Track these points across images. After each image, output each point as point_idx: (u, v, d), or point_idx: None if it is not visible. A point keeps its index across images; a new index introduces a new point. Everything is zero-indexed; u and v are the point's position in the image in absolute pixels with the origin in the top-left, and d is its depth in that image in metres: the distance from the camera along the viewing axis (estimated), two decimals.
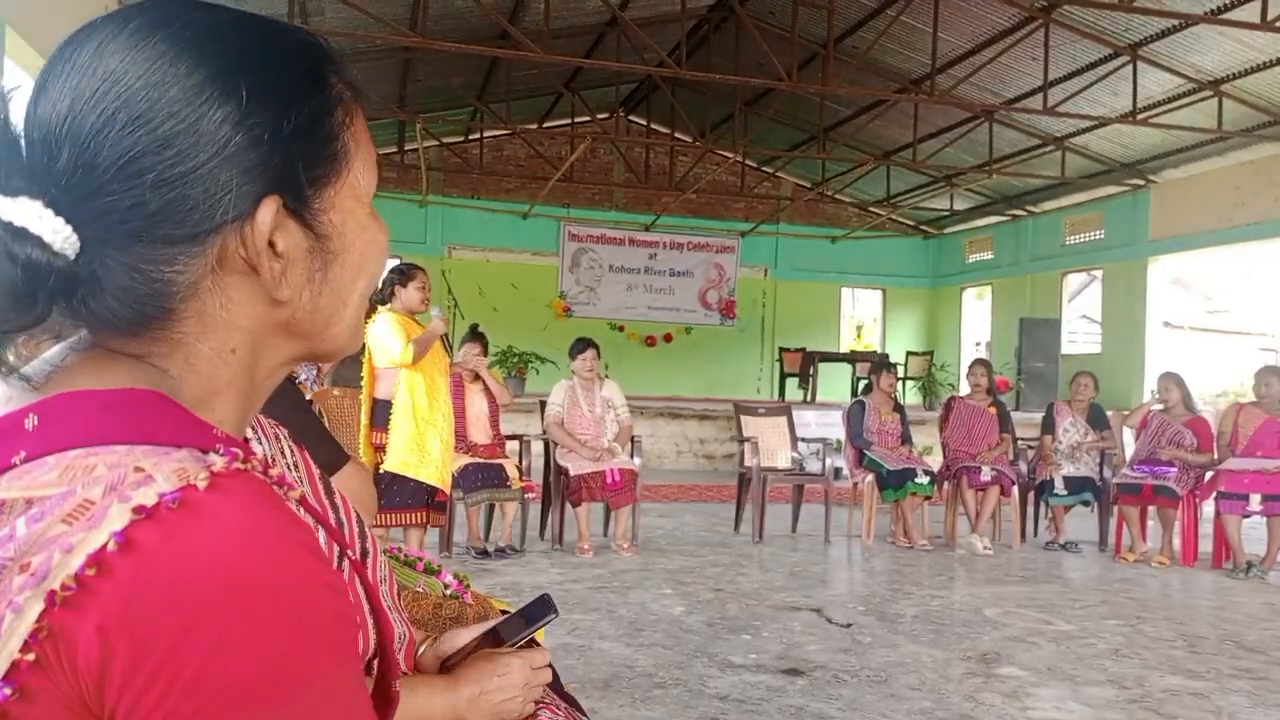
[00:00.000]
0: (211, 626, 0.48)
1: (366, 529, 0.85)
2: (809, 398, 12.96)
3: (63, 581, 0.48)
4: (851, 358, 14.03)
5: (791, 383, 13.79)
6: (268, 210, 0.58)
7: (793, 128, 13.95)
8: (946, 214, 15.97)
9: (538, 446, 6.26)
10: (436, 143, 13.95)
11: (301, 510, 0.58)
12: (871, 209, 16.34)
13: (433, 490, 4.70)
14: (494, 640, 1.09)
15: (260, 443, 0.81)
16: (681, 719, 3.04)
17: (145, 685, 0.47)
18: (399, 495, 4.59)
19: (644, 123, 15.13)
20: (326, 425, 2.07)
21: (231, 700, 0.48)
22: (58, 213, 0.54)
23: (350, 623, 0.56)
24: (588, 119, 13.45)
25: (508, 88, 11.44)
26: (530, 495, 5.70)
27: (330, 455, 1.76)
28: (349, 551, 0.69)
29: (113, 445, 0.53)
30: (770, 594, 4.88)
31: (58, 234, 0.54)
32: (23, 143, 0.55)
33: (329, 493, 0.82)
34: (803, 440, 7.45)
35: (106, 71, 0.55)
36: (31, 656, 0.48)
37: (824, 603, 4.73)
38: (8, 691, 0.47)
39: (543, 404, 6.15)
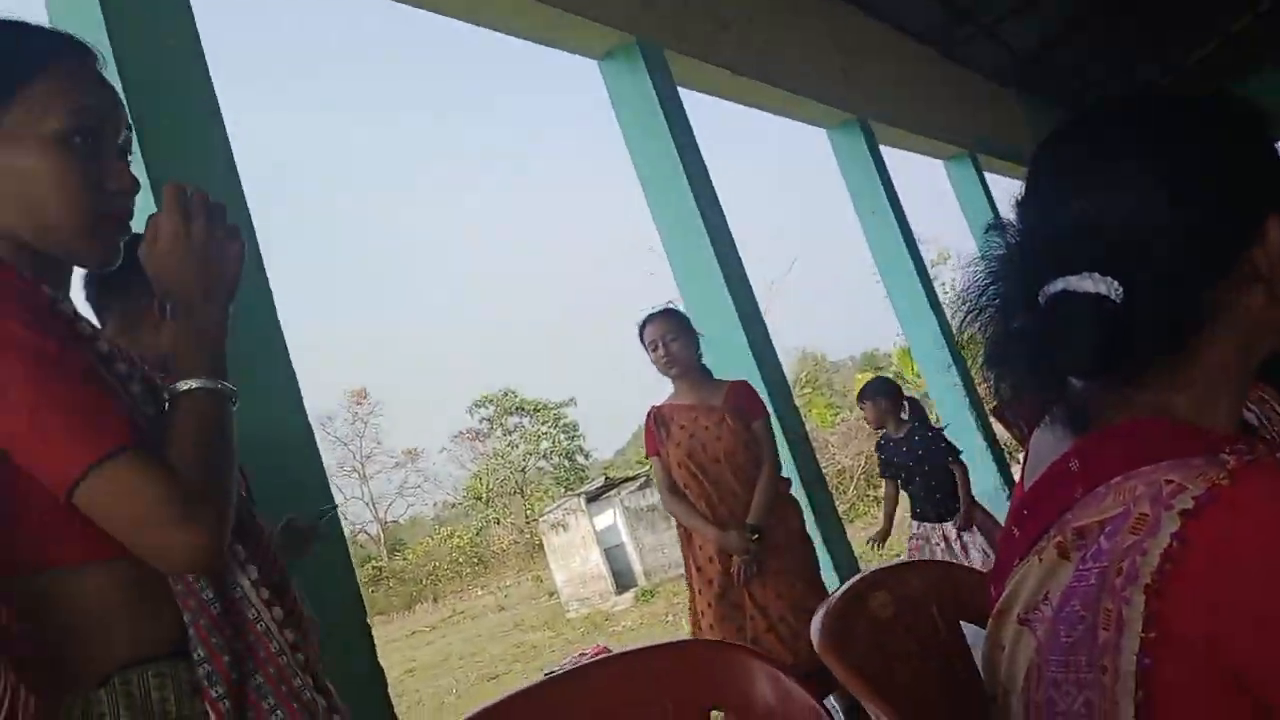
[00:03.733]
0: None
1: None
2: None
3: (1151, 576, 0.63)
4: None
5: None
6: (1275, 228, 0.71)
7: None
8: None
9: None
10: None
11: None
12: None
13: None
14: None
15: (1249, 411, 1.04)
16: None
17: (1252, 643, 0.61)
18: None
19: None
20: None
21: None
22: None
23: None
24: None
25: None
26: None
27: None
28: None
29: (1139, 469, 0.68)
30: None
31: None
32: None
33: None
34: None
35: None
36: (1152, 634, 0.63)
37: None
38: (1147, 661, 0.63)
39: None
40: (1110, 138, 0.73)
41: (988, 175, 7.76)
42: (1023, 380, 0.74)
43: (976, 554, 4.00)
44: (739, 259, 4.02)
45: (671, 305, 3.17)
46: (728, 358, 3.69)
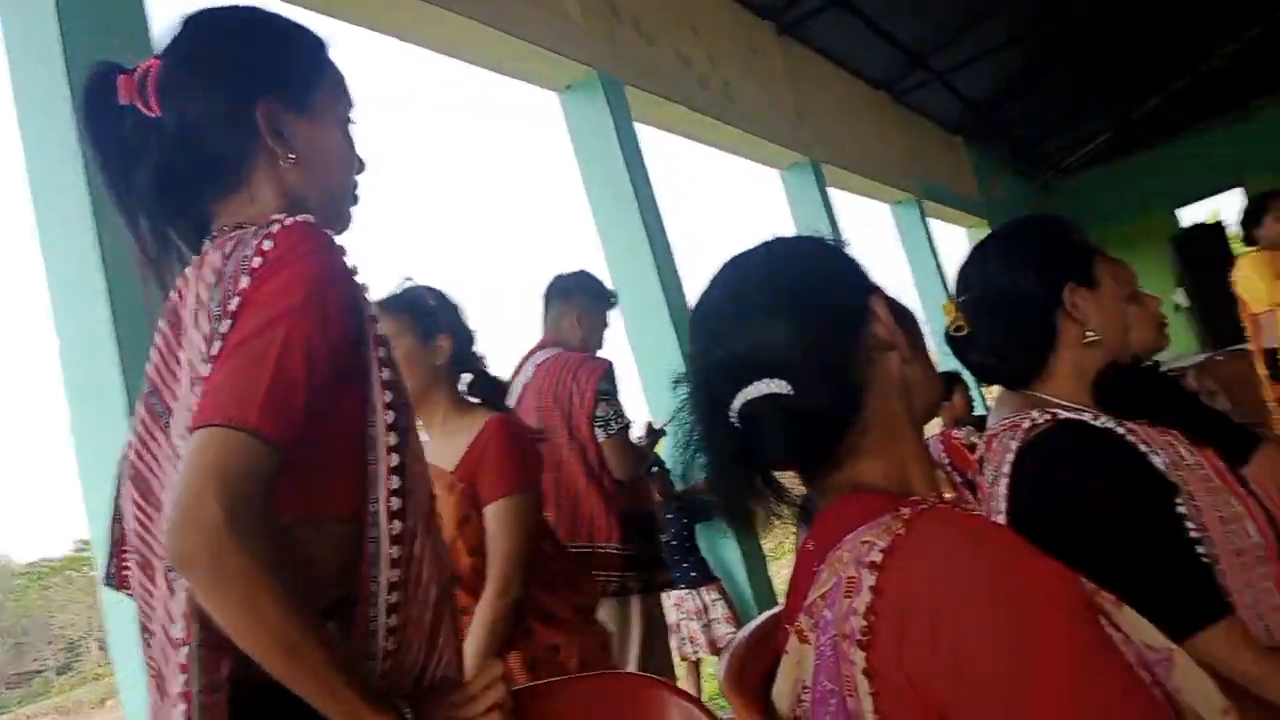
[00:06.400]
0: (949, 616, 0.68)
1: None
2: None
3: (861, 631, 0.71)
4: None
5: None
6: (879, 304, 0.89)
7: None
8: None
9: None
10: (1232, 43, 10.33)
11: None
12: None
13: None
14: None
15: (1156, 453, 1.13)
16: None
17: (946, 683, 0.68)
18: None
19: None
20: (1226, 402, 2.05)
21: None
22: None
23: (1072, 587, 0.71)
24: None
25: None
26: None
27: (1236, 446, 1.57)
28: None
29: (845, 538, 0.77)
30: None
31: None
32: None
33: (1244, 483, 1.12)
34: None
35: None
36: (874, 688, 0.70)
37: None
38: (877, 716, 0.70)
39: None
40: (748, 294, 0.89)
41: (932, 222, 7.96)
42: (728, 477, 0.87)
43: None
44: (686, 300, 4.08)
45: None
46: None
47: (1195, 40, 10.51)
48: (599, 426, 2.66)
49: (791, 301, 0.86)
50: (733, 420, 0.85)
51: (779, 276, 0.89)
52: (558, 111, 4.10)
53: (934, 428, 4.56)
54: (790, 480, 0.90)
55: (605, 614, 2.56)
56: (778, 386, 0.82)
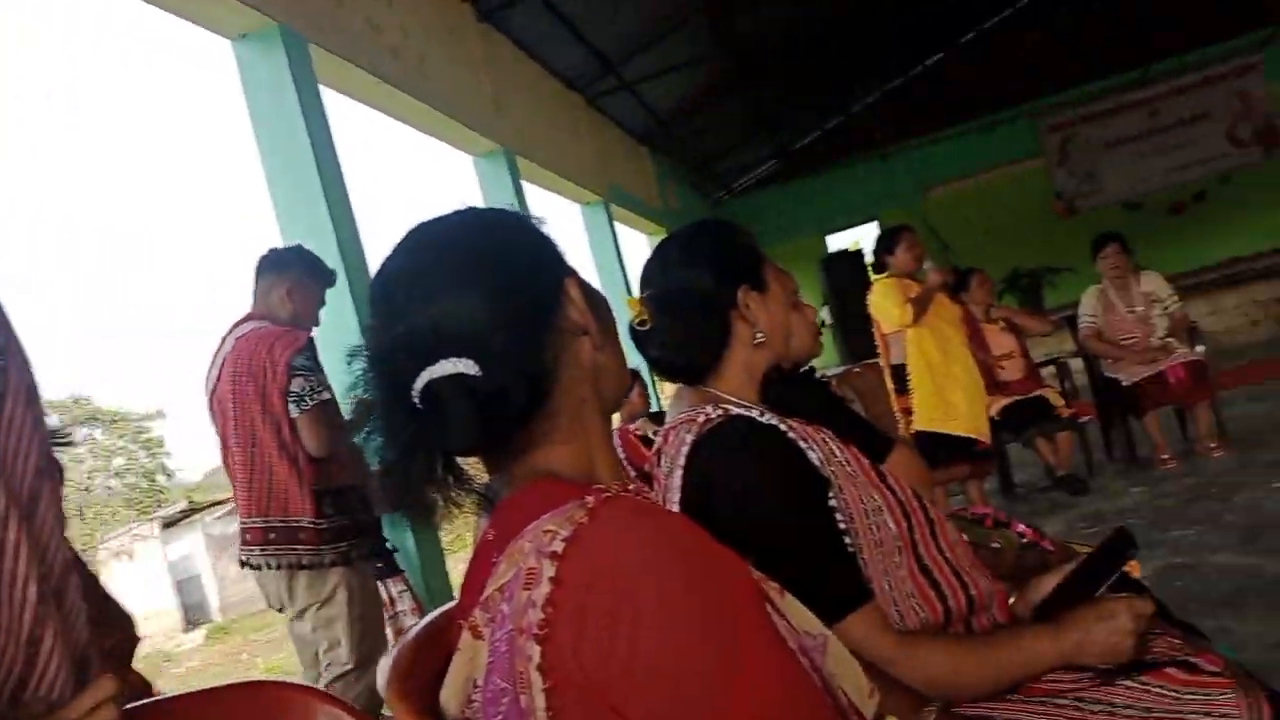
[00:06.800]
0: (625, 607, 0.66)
1: (925, 501, 1.20)
2: None
3: (539, 625, 0.67)
4: None
5: None
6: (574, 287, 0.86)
7: None
8: None
9: (1077, 364, 5.61)
10: (878, 94, 12.56)
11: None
12: None
13: (970, 441, 4.50)
14: (1078, 580, 1.21)
15: (813, 449, 1.18)
16: None
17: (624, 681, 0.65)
18: (940, 452, 4.41)
19: None
20: (862, 409, 2.13)
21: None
22: None
23: (740, 576, 0.71)
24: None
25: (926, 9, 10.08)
26: (1084, 419, 5.15)
27: (876, 446, 1.77)
28: (916, 523, 1.17)
29: (527, 528, 0.73)
30: None
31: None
32: None
33: (882, 478, 1.20)
34: None
35: None
36: (548, 683, 0.67)
37: None
38: (551, 713, 0.67)
39: (1070, 319, 5.53)
40: (437, 264, 0.83)
41: (619, 226, 8.25)
42: (406, 462, 0.80)
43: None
44: (368, 269, 3.87)
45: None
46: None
47: (848, 85, 11.86)
48: (292, 401, 2.68)
49: (485, 275, 0.81)
50: (414, 400, 0.79)
51: (472, 248, 0.83)
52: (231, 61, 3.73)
53: (614, 421, 4.73)
54: (474, 466, 0.84)
55: (302, 588, 2.74)
56: (465, 366, 0.77)
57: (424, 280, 0.81)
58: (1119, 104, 13.18)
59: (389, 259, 0.85)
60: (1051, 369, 5.56)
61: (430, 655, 0.82)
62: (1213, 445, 4.94)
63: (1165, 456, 4.95)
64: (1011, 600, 1.31)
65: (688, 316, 1.30)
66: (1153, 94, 13.03)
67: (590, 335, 0.85)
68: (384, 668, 0.83)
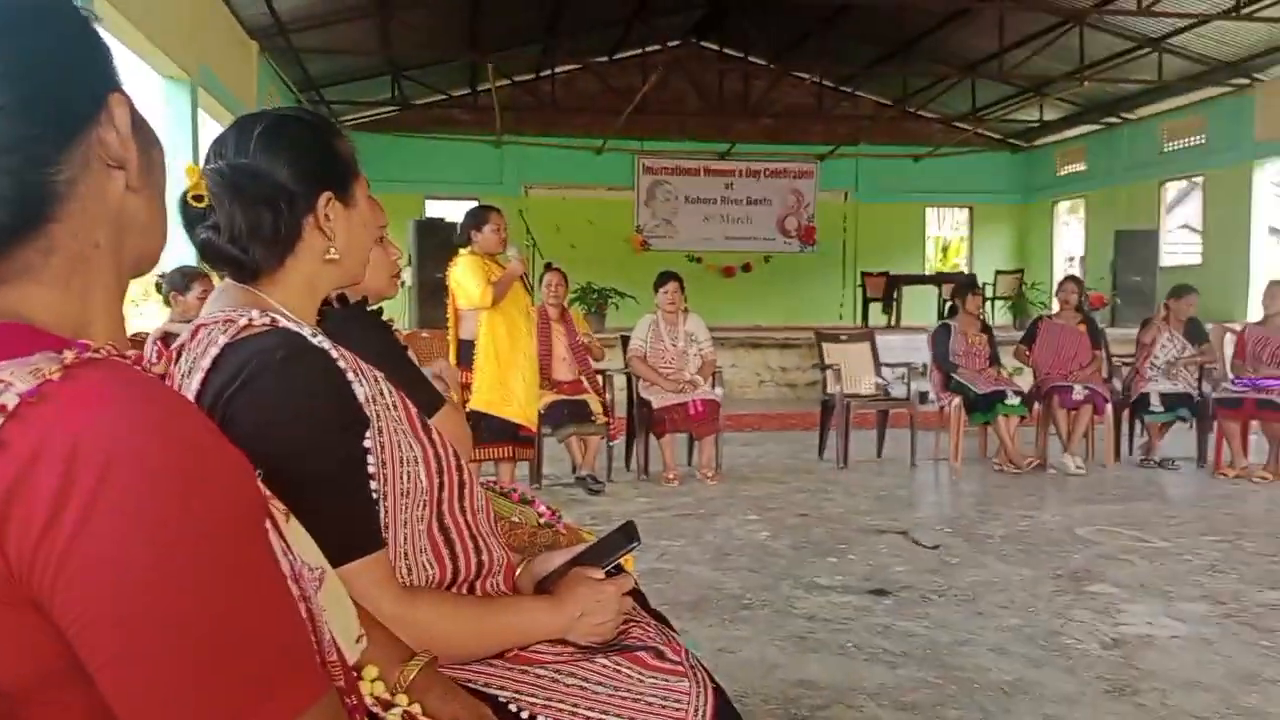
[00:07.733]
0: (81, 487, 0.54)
1: (463, 463, 1.21)
2: (893, 322, 12.89)
3: None
4: (937, 279, 13.64)
5: (875, 308, 13.55)
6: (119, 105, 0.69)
7: (871, 44, 13.06)
8: (1036, 125, 15.39)
9: (620, 380, 6.14)
10: (509, 81, 13.37)
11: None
12: (956, 124, 15.69)
13: (517, 426, 4.76)
14: (582, 564, 1.25)
15: (361, 384, 1.09)
16: (770, 637, 3.08)
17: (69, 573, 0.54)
18: (486, 431, 4.63)
19: (716, 48, 14.87)
20: (419, 367, 2.16)
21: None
22: None
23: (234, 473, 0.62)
24: (659, 48, 13.12)
25: (576, 20, 11.09)
26: (613, 434, 5.67)
27: (428, 398, 1.79)
28: (448, 481, 1.16)
29: None
30: (856, 518, 4.87)
31: None
32: None
33: (426, 430, 1.17)
34: (886, 365, 7.03)
35: None
36: None
37: (910, 525, 4.70)
38: None
39: (624, 339, 6.13)
40: None
41: (203, 116, 7.52)
42: None
43: None
44: None
45: None
46: None
47: (483, 62, 11.86)
48: None
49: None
50: None
51: None
52: None
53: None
54: None
55: None
56: None
57: None
58: (705, 168, 16.12)
59: None
60: (599, 379, 6.07)
61: None
62: (709, 474, 5.80)
63: (671, 476, 5.73)
64: (519, 571, 1.33)
65: (255, 205, 1.11)
66: (732, 168, 16.21)
67: (127, 172, 0.70)
68: None
